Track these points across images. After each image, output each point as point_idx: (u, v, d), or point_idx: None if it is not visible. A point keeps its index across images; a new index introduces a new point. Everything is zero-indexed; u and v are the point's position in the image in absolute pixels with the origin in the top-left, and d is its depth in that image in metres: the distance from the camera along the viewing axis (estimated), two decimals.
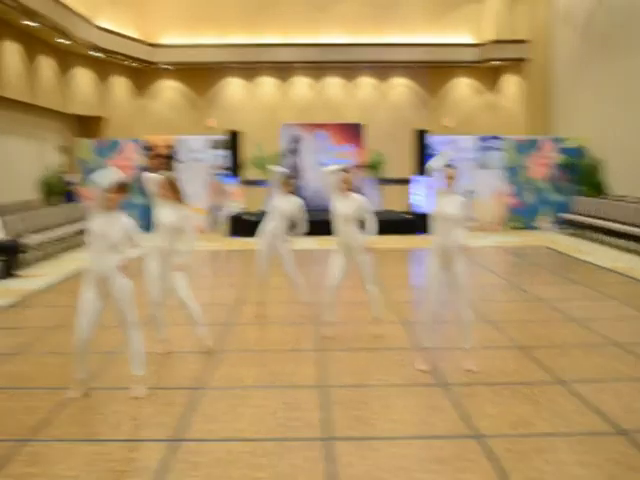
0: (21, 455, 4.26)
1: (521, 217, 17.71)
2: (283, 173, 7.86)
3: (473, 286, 9.87)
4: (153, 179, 6.32)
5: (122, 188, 5.23)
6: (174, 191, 6.29)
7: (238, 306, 8.60)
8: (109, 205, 5.20)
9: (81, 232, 14.69)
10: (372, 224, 6.85)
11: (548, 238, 15.65)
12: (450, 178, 5.89)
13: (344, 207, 6.79)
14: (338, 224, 6.85)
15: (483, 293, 9.42)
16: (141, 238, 5.43)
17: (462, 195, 6.00)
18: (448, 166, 5.94)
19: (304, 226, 7.82)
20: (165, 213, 6.27)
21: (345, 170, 6.91)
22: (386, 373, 5.85)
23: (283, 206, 7.68)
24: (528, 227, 17.57)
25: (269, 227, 7.82)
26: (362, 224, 6.89)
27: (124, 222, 5.25)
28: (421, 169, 16.84)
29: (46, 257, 12.78)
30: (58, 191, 17.98)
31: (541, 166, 17.67)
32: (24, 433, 4.59)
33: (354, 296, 8.94)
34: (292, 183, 7.79)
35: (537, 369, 5.93)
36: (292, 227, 7.88)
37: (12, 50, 15.64)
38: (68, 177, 18.47)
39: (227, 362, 6.22)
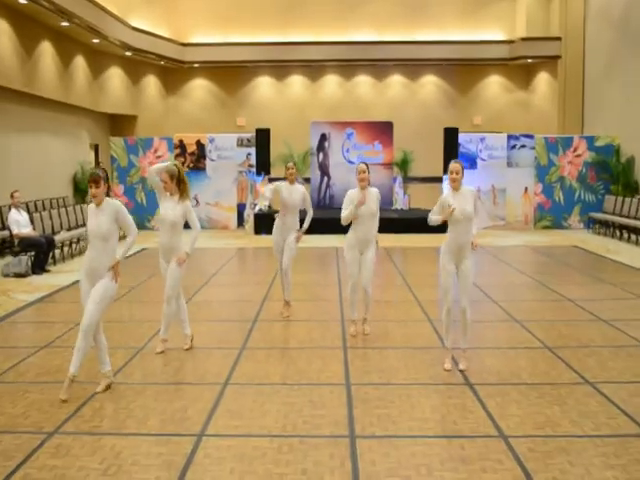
0: (48, 447, 4.35)
1: (551, 216, 17.50)
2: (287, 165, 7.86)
3: (501, 285, 9.81)
4: (158, 170, 6.27)
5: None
6: (179, 184, 6.27)
7: (265, 303, 8.65)
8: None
9: None
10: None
11: (578, 237, 15.45)
12: (454, 174, 5.80)
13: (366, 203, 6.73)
14: (361, 221, 6.80)
15: (511, 292, 9.34)
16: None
17: (472, 190, 5.92)
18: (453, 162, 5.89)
19: (310, 214, 7.78)
20: (167, 207, 6.28)
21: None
22: (412, 372, 5.84)
23: (291, 198, 7.68)
24: (558, 226, 17.35)
25: (278, 220, 7.84)
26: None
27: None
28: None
29: (76, 253, 13.00)
30: (87, 188, 18.26)
31: (572, 165, 17.43)
32: (51, 425, 4.69)
33: (381, 294, 8.95)
34: (294, 173, 7.75)
35: (564, 370, 5.87)
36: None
37: (47, 50, 15.94)
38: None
39: (253, 359, 6.27)
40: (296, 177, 7.84)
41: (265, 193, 7.93)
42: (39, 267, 11.07)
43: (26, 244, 11.09)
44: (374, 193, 6.80)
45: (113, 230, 5.28)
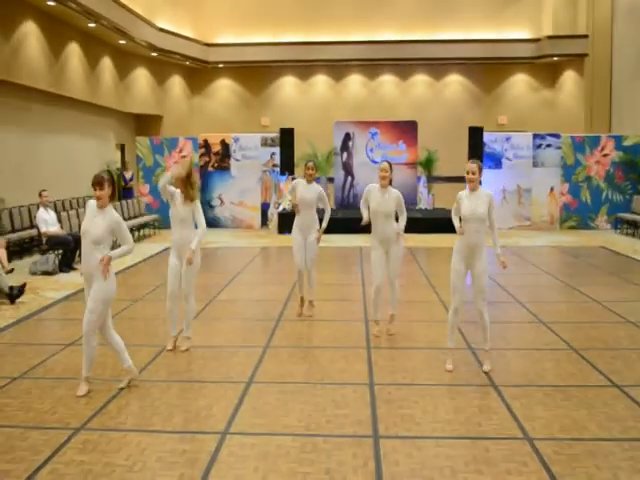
0: (75, 443, 4.41)
1: (577, 216, 17.29)
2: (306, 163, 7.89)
3: (526, 286, 9.72)
4: (172, 172, 6.35)
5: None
6: (187, 186, 6.31)
7: (288, 302, 8.67)
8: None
9: (138, 228, 15.08)
10: (404, 220, 6.82)
11: (605, 238, 15.24)
12: (470, 174, 5.76)
13: (383, 202, 6.73)
14: (377, 220, 6.79)
15: (536, 293, 9.26)
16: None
17: (489, 194, 5.86)
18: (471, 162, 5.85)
19: (328, 213, 7.79)
20: (178, 207, 6.35)
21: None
22: (436, 372, 5.81)
23: (306, 196, 7.70)
24: (584, 227, 17.14)
25: (296, 219, 7.86)
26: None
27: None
28: None
29: None
30: (114, 187, 18.49)
31: (599, 164, 17.21)
32: (78, 421, 4.76)
33: (405, 295, 8.92)
34: (313, 174, 7.76)
35: (591, 372, 5.80)
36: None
37: (75, 52, 16.15)
38: (125, 174, 18.96)
39: (277, 357, 6.29)
40: (315, 177, 7.86)
41: (285, 195, 7.99)
42: (66, 265, 11.22)
43: (54, 242, 11.25)
44: (393, 194, 6.79)
45: (106, 237, 5.30)
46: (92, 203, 5.39)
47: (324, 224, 7.80)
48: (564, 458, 4.15)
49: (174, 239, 6.45)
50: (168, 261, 6.53)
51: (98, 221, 5.27)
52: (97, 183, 5.30)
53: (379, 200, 6.75)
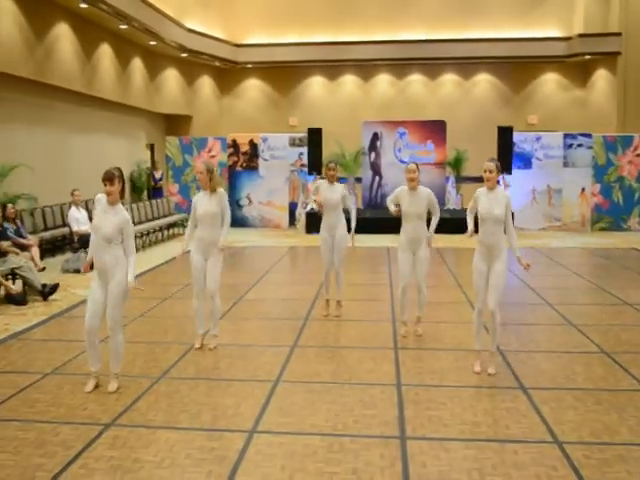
0: (105, 438, 4.48)
1: (609, 217, 17.03)
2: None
3: (557, 288, 9.60)
4: (197, 167, 6.47)
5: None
6: (211, 179, 6.37)
7: (316, 302, 8.68)
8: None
9: (167, 227, 15.24)
10: (436, 219, 6.81)
11: (637, 240, 14.97)
12: (487, 172, 5.71)
13: (414, 203, 6.71)
14: (409, 221, 6.76)
15: (567, 296, 9.14)
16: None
17: (506, 195, 5.80)
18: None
19: (354, 214, 7.79)
20: (202, 202, 6.38)
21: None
22: (464, 374, 5.77)
23: (330, 196, 7.69)
24: (616, 228, 16.87)
25: (323, 219, 7.85)
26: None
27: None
28: (505, 167, 16.45)
29: None
30: (143, 187, 18.70)
31: (632, 164, 16.92)
32: (108, 417, 4.83)
33: (433, 295, 8.87)
34: (334, 175, 7.75)
35: (623, 376, 5.71)
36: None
37: (106, 53, 16.37)
38: (155, 173, 19.16)
39: (304, 357, 6.30)
40: (338, 178, 7.88)
41: (311, 195, 8.01)
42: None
43: (85, 241, 11.39)
44: (424, 193, 6.76)
45: (117, 235, 5.28)
46: (102, 198, 5.35)
47: (352, 225, 7.79)
48: (594, 463, 4.09)
49: (202, 237, 6.46)
50: (192, 261, 6.53)
51: (109, 218, 5.26)
52: (107, 179, 5.27)
53: (410, 201, 6.72)
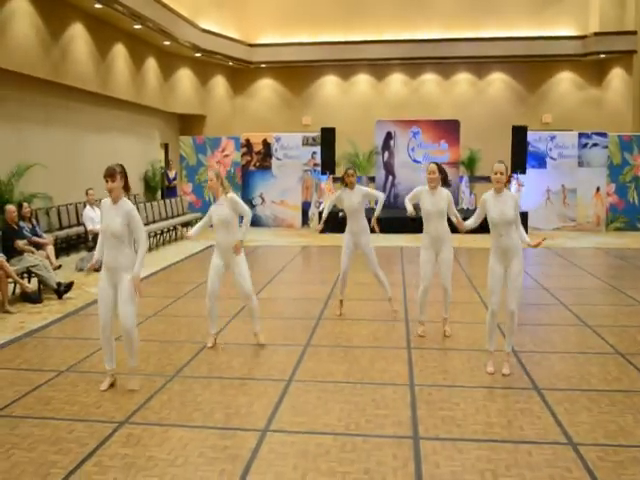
0: (119, 436, 4.50)
1: (624, 217, 16.89)
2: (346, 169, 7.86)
3: (571, 289, 9.54)
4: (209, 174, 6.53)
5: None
6: (221, 183, 6.45)
7: (329, 301, 8.68)
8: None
9: (181, 226, 15.29)
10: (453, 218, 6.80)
11: None
12: (498, 174, 5.68)
13: (435, 203, 6.69)
14: (430, 220, 6.75)
15: (582, 296, 9.07)
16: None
17: (514, 195, 5.81)
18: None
19: (381, 200, 7.78)
20: (216, 211, 6.42)
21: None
22: (477, 374, 5.75)
23: (354, 201, 7.67)
24: (632, 228, 16.72)
25: (348, 225, 7.82)
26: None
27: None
28: (519, 167, 16.38)
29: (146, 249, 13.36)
30: (157, 186, 18.79)
31: None
32: (122, 415, 4.86)
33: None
34: (353, 180, 7.71)
35: (638, 377, 5.66)
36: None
37: (121, 53, 16.46)
38: (169, 173, 19.25)
39: (317, 356, 6.31)
40: (357, 178, 7.88)
41: (325, 204, 8.02)
42: None
43: None
44: (444, 193, 6.75)
45: (125, 230, 5.28)
46: (106, 201, 5.37)
47: (377, 212, 7.77)
48: (609, 465, 4.06)
49: (218, 242, 6.48)
50: (211, 262, 6.56)
51: (114, 214, 5.26)
52: (108, 175, 5.24)
53: (431, 201, 6.71)
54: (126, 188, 5.39)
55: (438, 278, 6.93)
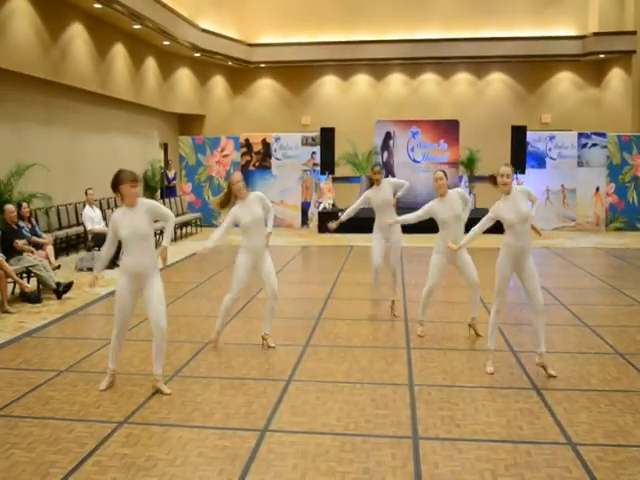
0: (118, 436, 4.50)
1: (624, 217, 16.89)
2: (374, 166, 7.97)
3: (571, 289, 9.54)
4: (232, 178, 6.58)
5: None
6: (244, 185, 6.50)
7: (328, 301, 8.68)
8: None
9: (181, 226, 15.29)
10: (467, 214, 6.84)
11: None
12: (505, 177, 5.67)
13: (449, 209, 6.69)
14: (449, 227, 6.71)
15: (581, 296, 9.08)
16: None
17: (523, 189, 5.83)
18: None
19: (405, 186, 7.86)
20: (246, 212, 6.36)
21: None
22: (477, 374, 5.75)
23: (382, 197, 7.68)
24: (631, 228, 16.73)
25: (377, 220, 7.88)
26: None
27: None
28: (519, 167, 16.37)
29: None
30: (157, 186, 18.78)
31: None
32: (121, 415, 4.86)
33: (445, 295, 8.86)
34: (379, 178, 7.77)
35: (637, 377, 5.66)
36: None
37: (120, 53, 16.46)
38: (168, 172, 19.25)
39: (316, 356, 6.31)
40: (382, 174, 7.97)
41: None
42: (111, 262, 11.43)
43: (99, 240, 11.48)
44: (454, 196, 6.78)
45: (150, 229, 5.33)
46: (120, 211, 5.30)
47: (399, 194, 7.88)
48: (608, 465, 4.06)
49: (254, 243, 6.41)
50: (240, 263, 6.47)
51: (137, 216, 5.25)
52: (137, 180, 5.29)
53: (444, 209, 6.70)
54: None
55: (466, 279, 6.90)
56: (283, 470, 4.02)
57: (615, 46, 20.06)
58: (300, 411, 4.94)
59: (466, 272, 6.81)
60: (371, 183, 7.86)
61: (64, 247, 12.70)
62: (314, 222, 16.92)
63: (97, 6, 13.90)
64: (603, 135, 17.02)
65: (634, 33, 19.70)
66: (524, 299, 8.41)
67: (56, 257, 10.82)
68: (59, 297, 8.88)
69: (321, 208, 16.88)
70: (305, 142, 17.80)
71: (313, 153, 17.62)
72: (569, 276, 10.65)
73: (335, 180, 17.81)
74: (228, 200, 6.51)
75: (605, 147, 16.84)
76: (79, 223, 12.85)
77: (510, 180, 5.70)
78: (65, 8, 13.71)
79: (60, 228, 12.82)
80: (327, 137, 17.04)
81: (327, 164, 17.00)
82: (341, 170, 18.45)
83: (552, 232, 16.44)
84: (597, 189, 16.88)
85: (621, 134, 17.30)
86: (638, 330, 7.21)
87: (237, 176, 6.53)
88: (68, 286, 9.00)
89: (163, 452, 4.25)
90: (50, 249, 10.07)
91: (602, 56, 20.69)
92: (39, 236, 10.17)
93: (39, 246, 9.81)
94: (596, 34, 20.25)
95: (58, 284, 8.91)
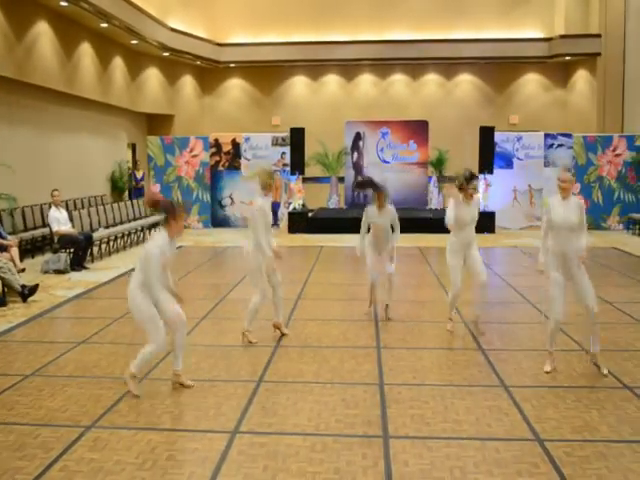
0: (85, 440, 4.43)
1: (589, 217, 17.14)
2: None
3: (537, 287, 9.66)
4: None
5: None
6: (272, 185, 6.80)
7: (299, 302, 8.67)
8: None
9: (149, 227, 15.14)
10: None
11: (617, 239, 15.15)
12: (565, 182, 5.67)
13: (469, 212, 6.78)
14: (463, 229, 6.79)
15: (547, 294, 9.19)
16: None
17: (580, 202, 5.80)
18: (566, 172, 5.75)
19: (396, 236, 7.72)
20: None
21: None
22: (446, 373, 5.80)
23: (469, 213, 7.51)
24: (596, 227, 17.03)
25: (371, 238, 7.75)
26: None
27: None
28: (486, 167, 16.56)
29: (113, 251, 13.23)
30: (123, 187, 18.58)
31: (611, 164, 17.10)
32: (89, 419, 4.78)
33: (415, 295, 8.91)
34: (382, 203, 7.60)
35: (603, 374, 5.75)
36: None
37: (87, 52, 16.23)
38: (136, 173, 19.05)
39: (287, 357, 6.30)
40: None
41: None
42: (78, 264, 11.28)
43: (65, 241, 11.32)
44: (477, 200, 6.91)
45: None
46: (166, 241, 5.23)
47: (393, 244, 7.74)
48: (575, 460, 4.13)
49: (272, 247, 6.79)
50: (258, 265, 6.68)
51: (173, 246, 5.36)
52: (186, 211, 5.48)
53: (467, 211, 6.77)
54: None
55: (473, 277, 6.94)
56: (254, 472, 4.00)
57: (581, 48, 20.41)
58: (271, 412, 4.92)
59: (475, 270, 6.84)
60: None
61: (29, 249, 12.48)
62: (284, 222, 16.90)
63: (63, 4, 13.68)
64: (569, 136, 17.30)
65: (599, 36, 20.06)
66: (491, 297, 8.52)
67: (21, 259, 10.63)
68: (24, 300, 8.71)
69: (291, 208, 16.86)
70: (275, 142, 17.76)
71: (283, 153, 17.60)
72: (536, 274, 10.77)
73: (305, 180, 17.80)
74: None
75: (571, 148, 17.12)
76: (45, 225, 12.64)
77: (568, 185, 5.70)
78: (30, 6, 13.47)
79: (25, 230, 12.58)
80: (297, 137, 17.02)
81: (297, 164, 16.98)
82: (311, 170, 18.45)
83: (519, 231, 16.67)
84: None
85: (586, 135, 17.61)
86: (603, 327, 7.29)
87: (277, 176, 6.63)
88: (33, 289, 8.83)
89: (132, 456, 4.20)
90: (15, 251, 9.88)
91: (568, 58, 21.04)
92: (4, 238, 9.98)
93: (3, 248, 9.62)
94: (562, 36, 20.58)
95: (23, 287, 8.75)
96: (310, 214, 16.94)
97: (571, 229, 5.68)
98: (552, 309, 5.79)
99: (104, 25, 15.70)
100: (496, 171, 16.89)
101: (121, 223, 14.38)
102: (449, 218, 6.85)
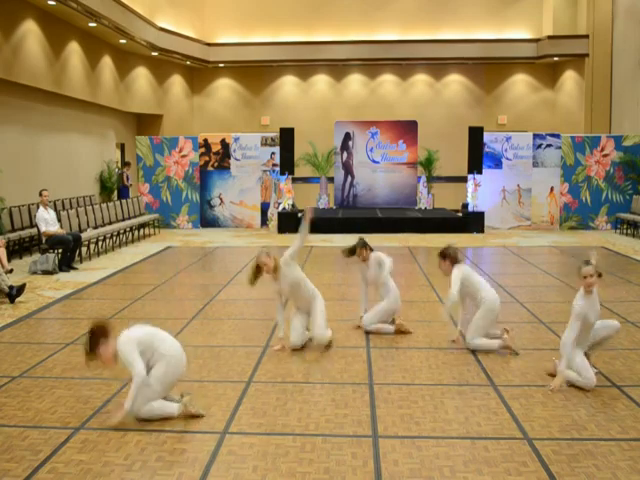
0: (74, 442, 4.41)
1: (577, 217, 17.29)
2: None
3: (526, 286, 9.71)
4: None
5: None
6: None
7: (289, 301, 8.64)
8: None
9: (138, 227, 15.09)
10: None
11: (605, 238, 15.24)
12: (592, 277, 5.46)
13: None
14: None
15: (536, 294, 9.25)
16: None
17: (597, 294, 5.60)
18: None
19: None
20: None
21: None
22: (436, 372, 5.81)
23: (368, 275, 7.32)
24: (584, 227, 17.14)
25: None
26: None
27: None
28: (475, 167, 16.62)
29: (102, 251, 13.17)
30: (112, 187, 18.51)
31: (599, 164, 17.21)
32: (77, 421, 4.76)
33: (404, 294, 8.91)
34: (365, 258, 7.28)
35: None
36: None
37: (75, 51, 16.15)
38: (125, 173, 18.97)
39: (276, 357, 6.29)
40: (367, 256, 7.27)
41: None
42: (66, 264, 11.22)
43: (53, 242, 11.25)
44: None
45: None
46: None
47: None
48: (563, 458, 4.15)
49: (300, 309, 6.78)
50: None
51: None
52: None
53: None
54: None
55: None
56: (243, 472, 3.99)
57: (569, 49, 20.54)
58: (260, 412, 4.92)
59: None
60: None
61: (17, 249, 12.40)
62: (273, 222, 16.88)
63: (51, 3, 13.61)
64: (557, 136, 17.38)
65: (587, 37, 20.19)
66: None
67: (9, 260, 10.57)
68: (12, 301, 8.65)
69: (280, 208, 16.84)
70: (264, 142, 17.73)
71: (272, 153, 17.58)
72: (524, 274, 10.85)
73: (294, 180, 17.80)
74: None
75: (559, 148, 17.20)
76: (33, 225, 12.56)
77: (596, 280, 5.43)
78: (17, 4, 13.39)
79: (13, 230, 12.50)
80: (287, 137, 17.00)
81: (286, 164, 16.96)
82: (300, 170, 18.45)
83: (508, 231, 16.74)
84: (552, 189, 17.24)
85: (574, 135, 17.70)
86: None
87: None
88: (21, 289, 8.78)
89: (120, 457, 4.18)
90: (2, 252, 9.81)
91: (556, 59, 21.16)
92: None
93: None
94: (550, 37, 20.69)
95: (11, 287, 8.69)
96: (299, 214, 16.94)
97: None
98: (586, 376, 5.35)
99: (92, 24, 15.63)
100: (485, 171, 16.95)
101: (110, 223, 14.32)
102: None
